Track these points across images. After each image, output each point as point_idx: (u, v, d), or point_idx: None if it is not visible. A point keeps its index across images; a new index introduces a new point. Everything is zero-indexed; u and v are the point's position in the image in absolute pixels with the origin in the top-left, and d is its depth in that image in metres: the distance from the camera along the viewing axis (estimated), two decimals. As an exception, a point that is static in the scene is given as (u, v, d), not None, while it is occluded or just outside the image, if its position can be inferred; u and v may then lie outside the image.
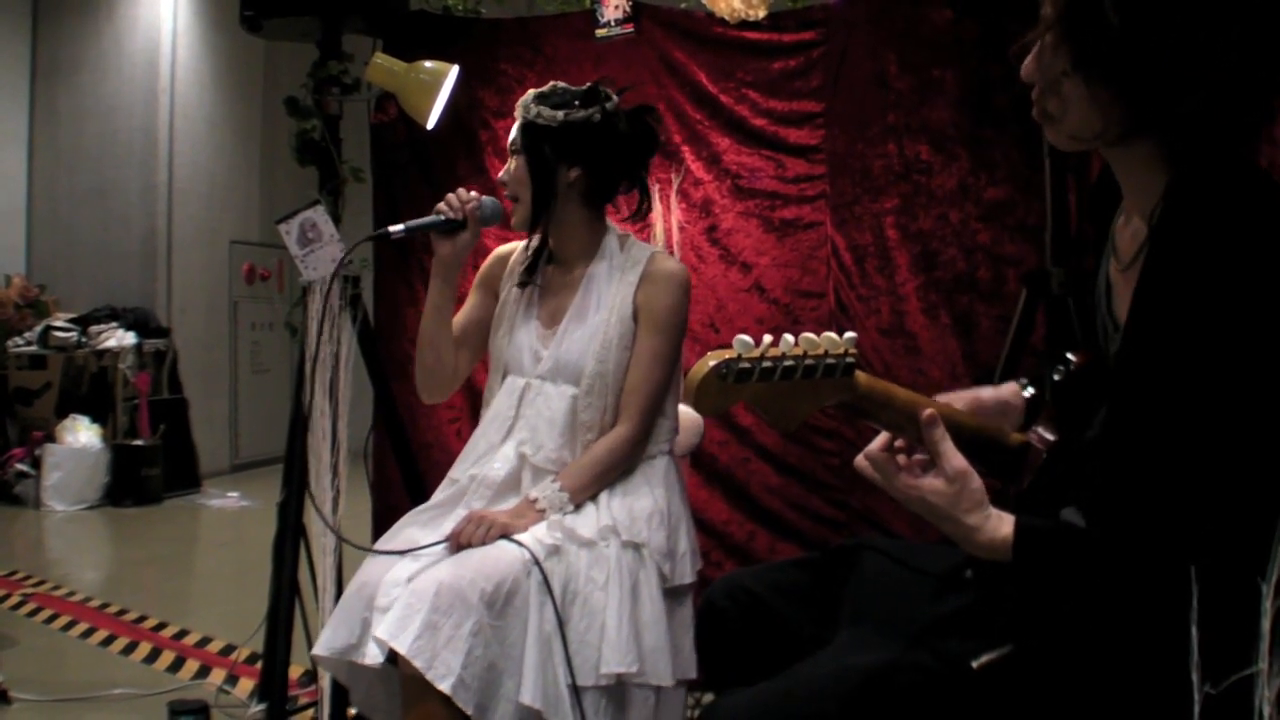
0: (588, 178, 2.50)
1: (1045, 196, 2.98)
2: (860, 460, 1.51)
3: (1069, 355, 1.64)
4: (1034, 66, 1.46)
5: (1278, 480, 1.25)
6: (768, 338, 1.37)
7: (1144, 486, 1.34)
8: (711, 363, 1.35)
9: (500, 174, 2.58)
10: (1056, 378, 1.63)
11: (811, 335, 1.38)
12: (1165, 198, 1.41)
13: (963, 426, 1.52)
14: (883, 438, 1.50)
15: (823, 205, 3.49)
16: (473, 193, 2.53)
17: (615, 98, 2.53)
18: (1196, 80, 1.30)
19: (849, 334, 1.40)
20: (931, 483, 1.43)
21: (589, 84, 2.54)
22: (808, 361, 1.37)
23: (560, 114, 2.46)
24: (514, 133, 2.54)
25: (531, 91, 2.53)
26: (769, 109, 3.52)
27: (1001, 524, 1.41)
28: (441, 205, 2.52)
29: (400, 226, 2.48)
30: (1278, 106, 2.13)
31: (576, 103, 2.48)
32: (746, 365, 1.35)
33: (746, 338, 1.35)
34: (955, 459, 1.43)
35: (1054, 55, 1.42)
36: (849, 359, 1.39)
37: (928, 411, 1.44)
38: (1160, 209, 1.41)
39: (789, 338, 1.37)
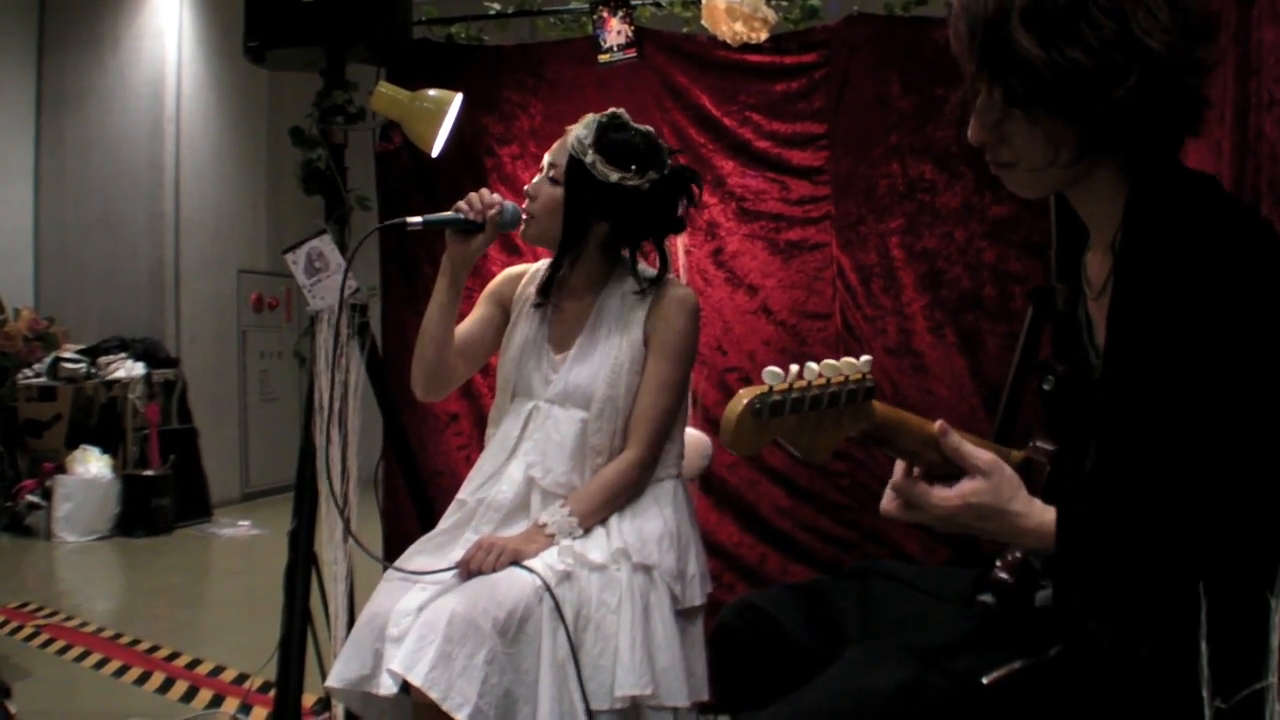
0: (613, 232, 2.51)
1: (1049, 212, 2.97)
2: (886, 504, 1.49)
3: (1056, 365, 1.65)
4: (978, 126, 1.47)
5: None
6: (794, 367, 1.33)
7: (1144, 510, 1.34)
8: (745, 400, 1.30)
9: (531, 183, 2.56)
10: (1046, 388, 1.64)
11: (832, 361, 1.34)
12: (1124, 222, 1.42)
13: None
14: (900, 469, 1.48)
15: (828, 226, 3.49)
16: (494, 196, 2.49)
17: (668, 162, 2.50)
18: (1121, 65, 1.32)
19: (865, 357, 1.37)
20: (968, 484, 1.40)
21: (655, 141, 2.50)
22: (832, 389, 1.33)
23: (614, 175, 2.42)
24: (557, 157, 2.50)
25: (594, 121, 2.48)
26: (772, 131, 3.52)
27: (1046, 510, 1.39)
28: (462, 204, 2.48)
29: (419, 219, 2.46)
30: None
31: (634, 167, 2.44)
32: (778, 398, 1.31)
33: (776, 369, 1.31)
34: (982, 454, 1.41)
35: (988, 104, 1.43)
36: (868, 383, 1.37)
37: (939, 423, 1.43)
38: (1120, 234, 1.42)
39: (813, 365, 1.33)
